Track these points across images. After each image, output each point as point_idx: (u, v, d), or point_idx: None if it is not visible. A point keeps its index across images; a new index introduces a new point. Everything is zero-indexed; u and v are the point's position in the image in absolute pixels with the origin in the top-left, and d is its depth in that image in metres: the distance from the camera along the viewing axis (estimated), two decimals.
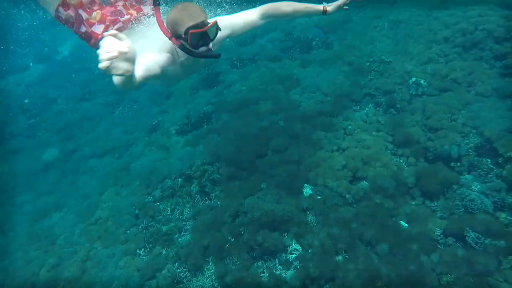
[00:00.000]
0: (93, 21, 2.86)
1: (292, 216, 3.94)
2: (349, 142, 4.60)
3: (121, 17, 2.85)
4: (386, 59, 5.63)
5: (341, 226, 3.75)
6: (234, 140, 4.99)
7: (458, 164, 4.05)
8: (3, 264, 4.78)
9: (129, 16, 2.87)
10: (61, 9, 2.87)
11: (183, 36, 2.26)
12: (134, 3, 2.94)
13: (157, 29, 2.43)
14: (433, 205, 3.84)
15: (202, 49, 2.32)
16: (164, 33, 2.35)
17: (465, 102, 4.56)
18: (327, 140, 4.70)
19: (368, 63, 5.71)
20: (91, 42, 2.92)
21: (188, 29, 2.21)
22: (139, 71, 2.02)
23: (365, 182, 4.16)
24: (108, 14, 2.85)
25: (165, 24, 2.34)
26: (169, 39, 2.33)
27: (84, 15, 2.86)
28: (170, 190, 4.76)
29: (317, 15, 2.75)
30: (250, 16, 2.66)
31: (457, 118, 4.44)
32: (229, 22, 2.64)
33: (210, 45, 2.34)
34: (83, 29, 2.88)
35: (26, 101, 9.03)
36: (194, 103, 6.23)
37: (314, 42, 6.69)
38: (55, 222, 5.19)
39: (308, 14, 2.79)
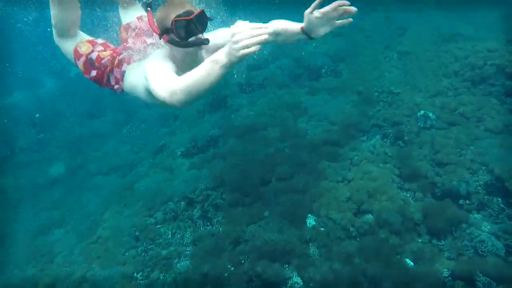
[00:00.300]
0: (102, 56, 2.92)
1: (294, 247, 3.86)
2: (355, 173, 4.54)
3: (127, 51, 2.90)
4: (395, 90, 5.63)
5: (344, 260, 3.65)
6: (240, 165, 4.96)
7: (467, 202, 3.95)
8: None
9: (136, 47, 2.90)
10: (76, 61, 2.97)
11: (170, 28, 2.17)
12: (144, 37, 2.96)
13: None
14: (440, 244, 3.72)
15: (191, 39, 2.22)
16: (154, 32, 2.30)
17: (474, 138, 4.50)
18: (332, 170, 4.65)
19: (376, 93, 5.71)
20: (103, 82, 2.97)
21: (173, 19, 2.13)
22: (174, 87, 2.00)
23: (370, 215, 4.07)
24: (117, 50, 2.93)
25: (155, 23, 2.29)
26: (160, 37, 2.27)
27: (95, 55, 2.93)
28: (172, 213, 4.71)
29: (298, 36, 2.44)
30: None
31: (465, 153, 4.37)
32: (225, 30, 2.58)
33: (200, 35, 2.23)
34: (94, 73, 2.93)
35: (37, 115, 9.16)
36: (201, 126, 6.25)
37: (323, 70, 6.72)
38: (56, 239, 5.16)
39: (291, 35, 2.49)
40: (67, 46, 3.01)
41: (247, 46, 1.64)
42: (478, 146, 4.37)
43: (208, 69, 1.83)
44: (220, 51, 1.80)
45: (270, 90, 6.59)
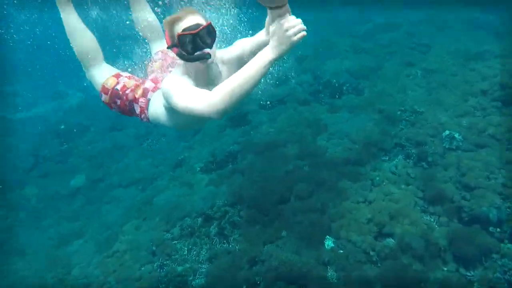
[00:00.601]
0: (127, 86, 2.93)
1: (312, 270, 3.74)
2: (376, 194, 4.40)
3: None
4: (418, 109, 5.49)
5: (364, 286, 3.51)
6: (258, 182, 4.90)
7: (498, 230, 3.73)
8: None
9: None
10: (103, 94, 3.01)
11: (176, 41, 2.12)
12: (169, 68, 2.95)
13: None
14: (469, 274, 3.52)
15: (197, 53, 2.15)
16: (167, 44, 2.24)
17: (506, 161, 4.30)
18: (353, 190, 4.53)
19: (399, 112, 5.58)
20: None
21: (178, 34, 2.08)
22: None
23: (391, 239, 3.92)
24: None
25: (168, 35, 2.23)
26: (171, 49, 2.21)
27: (120, 85, 2.95)
28: (189, 229, 4.68)
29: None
30: (260, 35, 2.44)
31: (496, 177, 4.17)
32: (239, 41, 2.51)
33: (207, 50, 2.15)
34: (118, 102, 2.94)
35: (62, 127, 9.41)
36: (220, 142, 6.25)
37: (345, 87, 6.65)
38: (74, 250, 5.22)
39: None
40: (96, 80, 3.04)
41: (299, 31, 1.77)
42: (511, 170, 4.16)
43: (252, 70, 1.82)
44: (264, 50, 1.83)
45: (290, 106, 6.55)
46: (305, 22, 1.79)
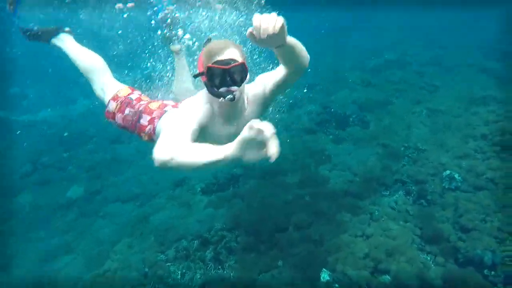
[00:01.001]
0: (142, 98, 2.94)
1: None
2: (374, 229, 4.41)
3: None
4: (421, 147, 5.55)
5: None
6: (258, 209, 4.91)
7: (493, 273, 3.74)
8: None
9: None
10: (111, 101, 2.95)
11: (205, 71, 2.05)
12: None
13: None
14: None
15: (222, 89, 2.06)
16: (198, 70, 2.18)
17: (502, 205, 4.33)
18: (351, 224, 4.54)
19: (403, 148, 5.64)
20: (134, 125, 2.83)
21: (208, 65, 2.01)
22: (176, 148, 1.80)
23: (387, 276, 3.90)
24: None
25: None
26: (200, 76, 2.14)
27: (135, 96, 2.96)
28: (184, 252, 4.64)
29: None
30: (279, 71, 2.36)
31: (492, 220, 4.19)
32: (260, 77, 2.43)
33: (234, 88, 2.06)
34: (127, 111, 2.86)
35: (66, 134, 9.41)
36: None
37: (351, 119, 6.74)
38: (62, 267, 5.09)
39: None
40: (107, 88, 3.04)
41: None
42: (508, 215, 4.19)
43: (210, 159, 1.67)
44: (228, 147, 1.65)
45: (295, 134, 6.61)
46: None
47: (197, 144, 1.80)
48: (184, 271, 4.41)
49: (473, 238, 4.03)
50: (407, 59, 10.01)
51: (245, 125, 1.67)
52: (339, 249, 4.20)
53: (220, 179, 5.87)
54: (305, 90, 7.99)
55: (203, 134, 2.19)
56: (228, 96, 2.06)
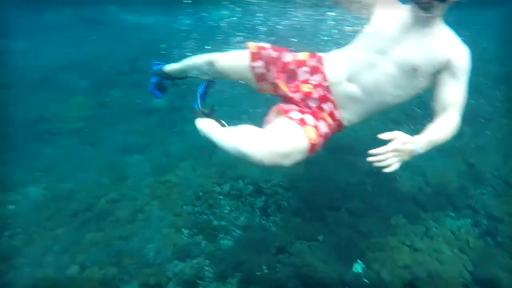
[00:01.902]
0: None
1: (331, 285, 3.78)
2: (425, 245, 4.22)
3: None
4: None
5: None
6: (317, 179, 4.92)
7: None
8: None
9: None
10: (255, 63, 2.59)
11: None
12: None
13: None
14: None
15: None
16: None
17: None
18: (404, 230, 4.38)
19: (490, 176, 5.15)
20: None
21: None
22: None
23: None
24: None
25: None
26: None
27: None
28: (238, 192, 4.88)
29: None
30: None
31: None
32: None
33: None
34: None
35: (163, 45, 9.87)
36: None
37: None
38: (133, 163, 5.68)
39: None
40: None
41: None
42: None
43: None
44: None
45: (380, 119, 6.30)
46: None
47: None
48: (232, 208, 4.68)
49: None
50: None
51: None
52: (381, 249, 4.13)
53: None
54: None
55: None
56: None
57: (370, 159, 1.89)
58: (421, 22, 2.12)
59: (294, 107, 2.40)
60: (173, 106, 7.27)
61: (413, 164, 5.32)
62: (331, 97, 2.40)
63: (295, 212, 4.56)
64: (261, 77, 2.55)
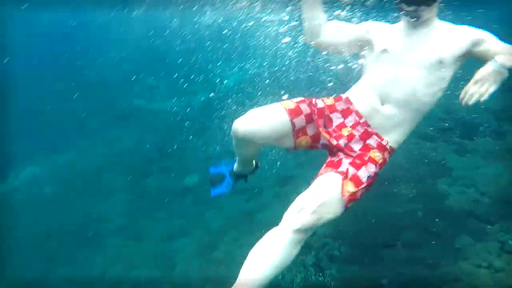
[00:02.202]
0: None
1: None
2: (506, 262, 3.77)
3: None
4: None
5: None
6: (362, 219, 4.64)
7: None
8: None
9: None
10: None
11: None
12: None
13: None
14: None
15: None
16: None
17: None
18: (474, 251, 3.97)
19: None
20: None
21: None
22: None
23: None
24: None
25: None
26: None
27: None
28: None
29: None
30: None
31: None
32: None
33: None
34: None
35: (186, 124, 10.23)
36: None
37: (481, 128, 5.87)
38: (178, 249, 5.63)
39: None
40: None
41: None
42: None
43: None
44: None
45: (411, 141, 6.05)
46: None
47: None
48: (285, 272, 4.44)
49: None
50: None
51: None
52: (456, 279, 3.72)
53: None
54: None
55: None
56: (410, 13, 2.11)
57: (463, 101, 2.03)
58: (419, 24, 2.18)
59: (335, 157, 2.31)
60: (204, 180, 7.33)
61: (460, 176, 5.00)
62: (373, 130, 2.31)
63: (350, 260, 4.27)
64: (300, 132, 2.45)
